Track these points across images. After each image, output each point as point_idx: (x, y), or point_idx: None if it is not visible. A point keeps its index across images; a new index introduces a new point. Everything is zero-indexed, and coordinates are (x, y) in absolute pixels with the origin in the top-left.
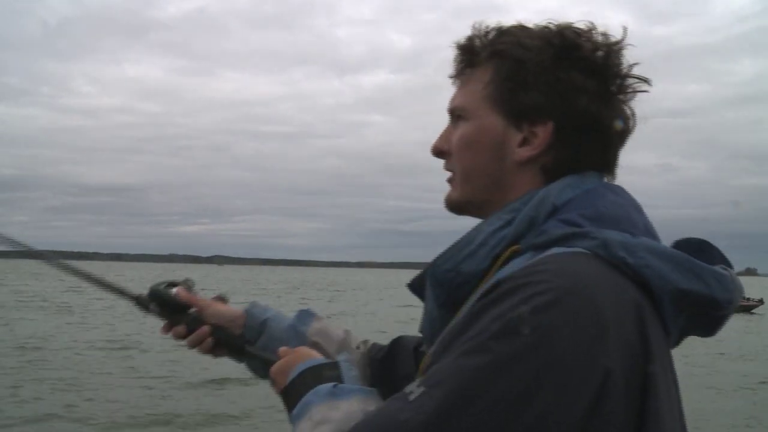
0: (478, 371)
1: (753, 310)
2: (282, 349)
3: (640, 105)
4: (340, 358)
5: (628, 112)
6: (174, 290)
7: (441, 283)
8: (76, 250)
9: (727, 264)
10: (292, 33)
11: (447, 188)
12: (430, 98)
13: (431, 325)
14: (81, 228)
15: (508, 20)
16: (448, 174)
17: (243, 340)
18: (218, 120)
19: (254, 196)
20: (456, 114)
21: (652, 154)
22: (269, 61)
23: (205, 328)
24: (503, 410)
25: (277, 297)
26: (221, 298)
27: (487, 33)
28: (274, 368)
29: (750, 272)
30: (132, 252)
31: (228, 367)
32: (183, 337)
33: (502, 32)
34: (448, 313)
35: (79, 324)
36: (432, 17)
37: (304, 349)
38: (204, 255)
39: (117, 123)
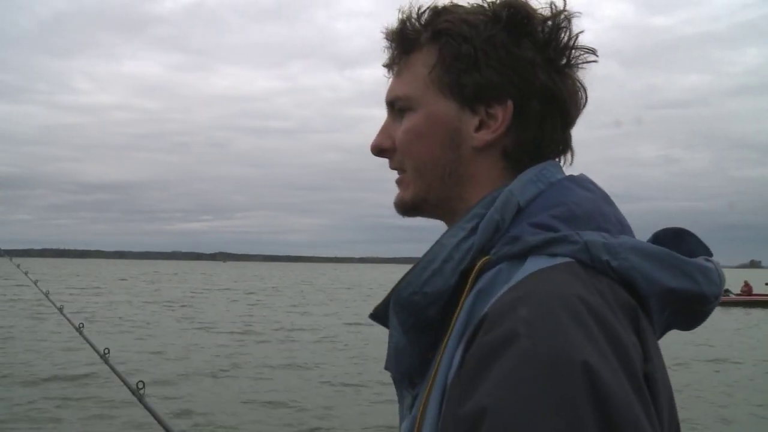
0: None
1: None
2: None
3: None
4: None
5: (579, 85)
6: None
7: (406, 308)
8: (79, 248)
9: (708, 252)
10: (290, 26)
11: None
12: None
13: (398, 356)
14: (83, 226)
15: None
16: (395, 174)
17: None
18: (217, 115)
19: (255, 192)
20: (398, 105)
21: (653, 145)
22: (267, 55)
23: None
24: None
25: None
26: None
27: (420, 14)
28: None
29: (754, 264)
30: (135, 250)
31: None
32: None
33: (439, 11)
34: (415, 336)
35: None
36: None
37: None
38: (207, 252)
39: (115, 120)
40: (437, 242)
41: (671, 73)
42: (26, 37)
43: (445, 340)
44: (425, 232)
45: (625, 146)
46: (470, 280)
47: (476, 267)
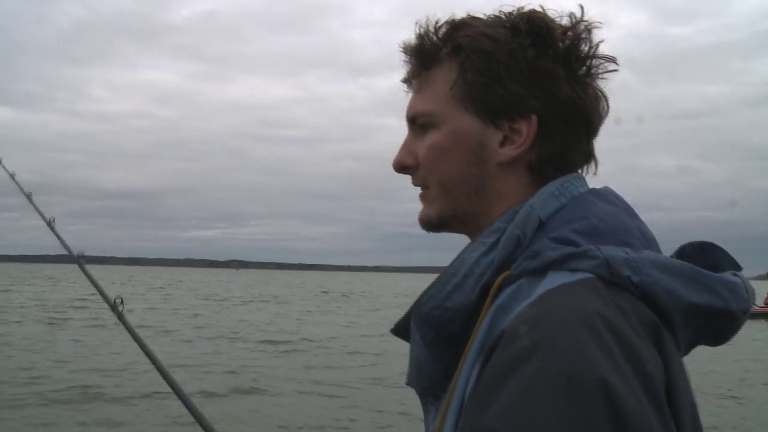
0: None
1: None
2: None
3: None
4: None
5: (600, 94)
6: None
7: (427, 323)
8: (94, 254)
9: (736, 266)
10: (305, 35)
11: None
12: None
13: (420, 370)
14: (99, 232)
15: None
16: (409, 182)
17: None
18: (233, 124)
19: (269, 200)
20: (420, 122)
21: (669, 155)
22: (283, 64)
23: None
24: None
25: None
26: None
27: (438, 28)
28: None
29: None
30: (149, 256)
31: None
32: None
33: (457, 25)
34: (437, 350)
35: None
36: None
37: None
38: (221, 259)
39: (133, 128)
40: (458, 257)
41: (688, 83)
42: (46, 46)
43: (464, 356)
44: (439, 241)
45: (641, 156)
46: (490, 295)
47: (496, 282)
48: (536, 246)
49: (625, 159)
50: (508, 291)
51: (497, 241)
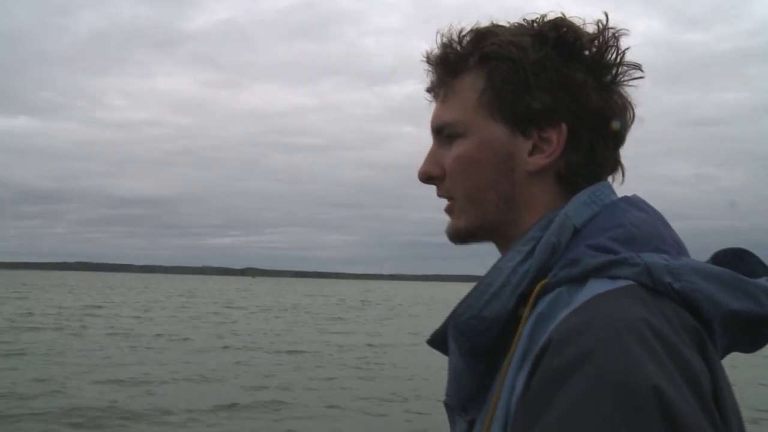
0: None
1: None
2: None
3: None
4: None
5: (627, 102)
6: None
7: (464, 332)
8: (110, 261)
9: None
10: (320, 43)
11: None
12: None
13: (458, 380)
14: (115, 240)
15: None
16: (444, 202)
17: None
18: (248, 132)
19: (285, 208)
20: (446, 132)
21: (687, 163)
22: (298, 72)
23: None
24: None
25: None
26: None
27: (462, 37)
28: None
29: None
30: (166, 264)
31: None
32: None
33: (483, 33)
34: (471, 360)
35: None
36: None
37: None
38: (236, 267)
39: (149, 136)
40: (494, 266)
41: (706, 90)
42: (64, 55)
43: (506, 365)
44: (456, 250)
45: (657, 164)
46: (529, 303)
47: (535, 290)
48: (574, 254)
49: (640, 166)
50: (546, 299)
51: (533, 250)
